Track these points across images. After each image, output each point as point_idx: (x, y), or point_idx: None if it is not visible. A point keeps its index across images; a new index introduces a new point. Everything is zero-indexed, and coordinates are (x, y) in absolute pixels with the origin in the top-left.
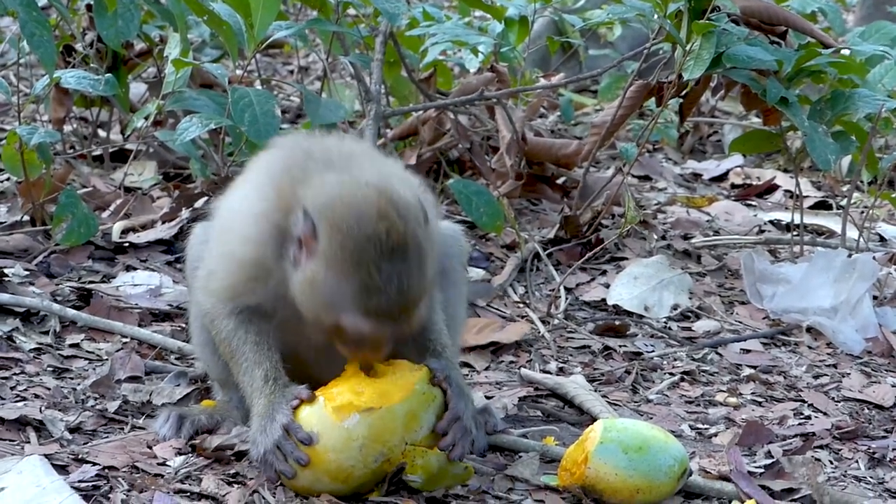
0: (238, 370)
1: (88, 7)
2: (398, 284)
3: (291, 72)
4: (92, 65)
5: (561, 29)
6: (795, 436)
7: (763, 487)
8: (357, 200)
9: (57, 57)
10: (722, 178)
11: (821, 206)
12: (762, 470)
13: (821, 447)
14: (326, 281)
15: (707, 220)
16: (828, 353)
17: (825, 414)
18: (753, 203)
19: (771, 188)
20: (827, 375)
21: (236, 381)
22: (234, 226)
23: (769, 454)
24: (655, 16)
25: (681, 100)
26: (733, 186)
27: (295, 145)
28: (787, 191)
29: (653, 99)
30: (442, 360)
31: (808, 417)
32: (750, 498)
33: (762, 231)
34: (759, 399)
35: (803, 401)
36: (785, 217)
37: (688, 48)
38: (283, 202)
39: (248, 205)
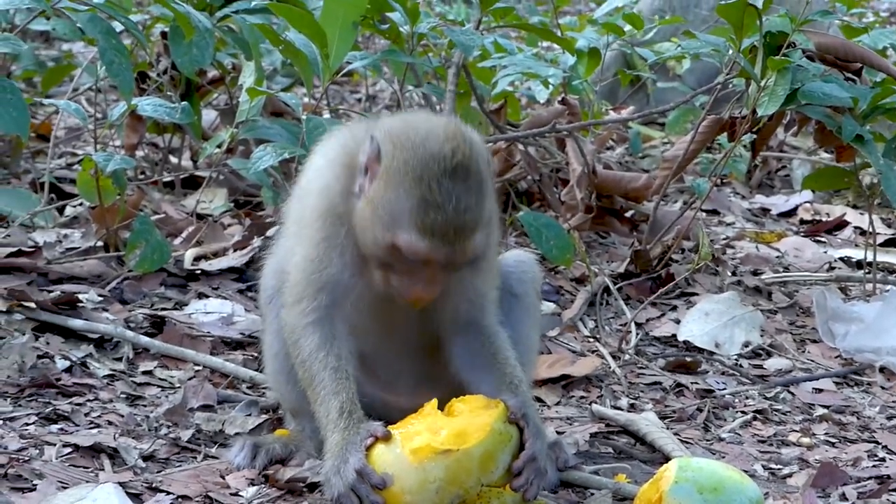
0: (315, 398)
1: (163, 35)
2: (456, 204)
3: (359, 100)
4: (166, 92)
5: (629, 61)
6: (870, 478)
7: None
8: (424, 124)
9: (134, 84)
10: (791, 213)
11: (892, 243)
12: None
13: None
14: (386, 197)
15: (777, 256)
16: None
17: None
18: (823, 239)
19: (840, 224)
20: None
21: (312, 410)
22: (306, 191)
23: (844, 497)
24: (730, 51)
25: (753, 135)
26: (802, 222)
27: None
28: (857, 227)
29: (724, 134)
30: (518, 397)
31: (883, 459)
32: None
33: (832, 268)
34: (833, 440)
35: (877, 442)
36: (855, 254)
37: (762, 84)
38: (347, 149)
39: (314, 167)
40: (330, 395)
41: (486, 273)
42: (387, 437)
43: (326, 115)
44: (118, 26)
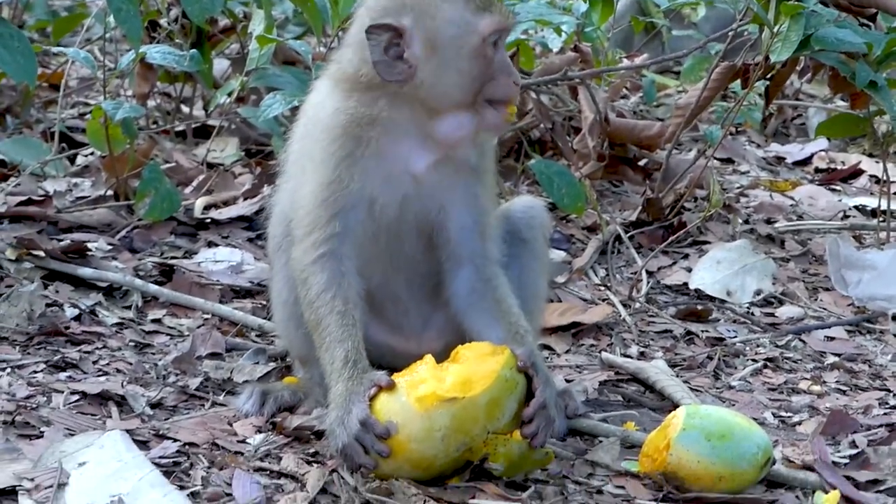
0: (321, 344)
1: None
2: None
3: None
4: (176, 40)
5: (644, 9)
6: (881, 426)
7: (847, 478)
8: None
9: (142, 32)
10: (806, 161)
11: None
12: (847, 460)
13: None
14: (442, 26)
15: (791, 205)
16: None
17: None
18: (838, 188)
19: (856, 173)
20: None
21: (317, 355)
22: (315, 121)
23: (854, 444)
24: None
25: (767, 82)
26: (817, 171)
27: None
28: (872, 176)
29: (737, 81)
30: (526, 346)
31: (894, 407)
32: (834, 488)
33: (847, 216)
34: (844, 387)
35: (888, 390)
36: (870, 202)
37: (775, 30)
38: (342, 72)
39: (316, 101)
40: (335, 343)
41: (487, 184)
42: (391, 387)
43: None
44: None
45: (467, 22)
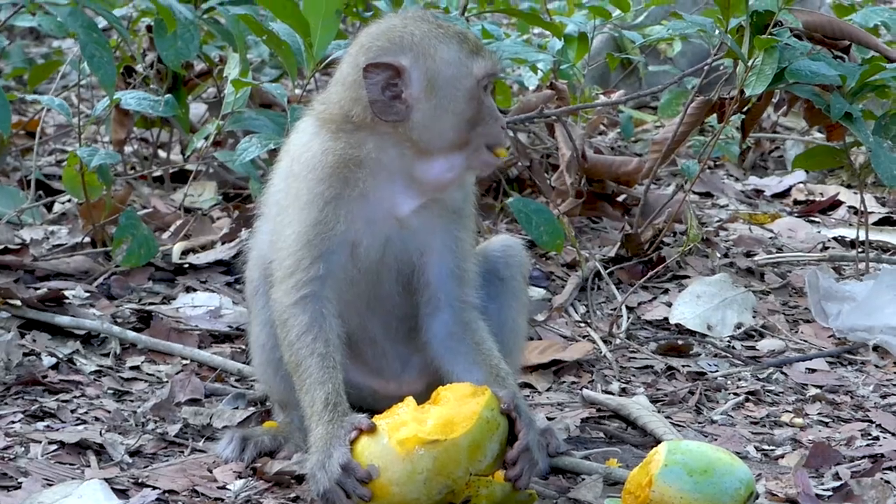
0: (301, 386)
1: (149, 28)
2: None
3: None
4: (152, 86)
5: (620, 45)
6: (864, 457)
7: None
8: (393, 21)
9: (117, 78)
10: (784, 194)
11: (886, 222)
12: (830, 493)
13: (890, 469)
14: (440, 69)
15: (770, 237)
16: (895, 373)
17: (893, 435)
18: (817, 219)
19: (834, 204)
20: (894, 395)
21: (298, 397)
22: (300, 163)
23: (837, 476)
24: (717, 31)
25: (743, 116)
26: (796, 203)
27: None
28: (850, 207)
29: (714, 115)
30: (508, 389)
31: (877, 438)
32: None
33: (826, 248)
34: (826, 419)
35: (871, 421)
36: (849, 233)
37: (750, 64)
38: (328, 112)
39: (300, 142)
40: (315, 385)
41: (467, 227)
42: (371, 430)
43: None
44: (102, 21)
45: (464, 64)
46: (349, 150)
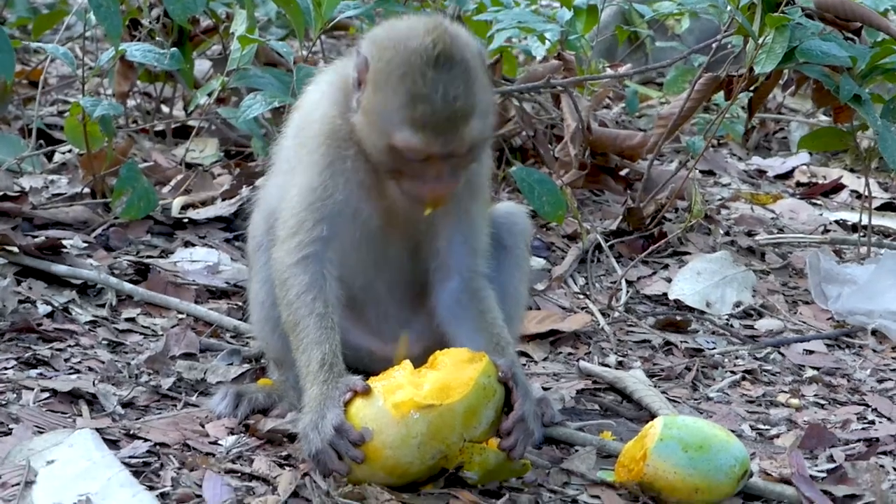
0: (297, 346)
1: None
2: (443, 93)
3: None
4: (158, 39)
5: (628, 19)
6: (859, 440)
7: (825, 492)
8: (406, 24)
9: (123, 30)
10: (787, 175)
11: (888, 207)
12: (824, 474)
13: (884, 453)
14: (377, 101)
15: (772, 218)
16: (892, 357)
17: (889, 419)
18: (819, 202)
19: (837, 187)
20: (891, 380)
21: (294, 357)
22: (304, 123)
23: (831, 458)
24: (728, 8)
25: (750, 94)
26: (798, 184)
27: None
28: (853, 191)
29: (721, 93)
30: (506, 357)
31: (872, 422)
32: (811, 502)
33: (827, 231)
34: (822, 401)
35: (867, 405)
36: (851, 217)
37: (760, 42)
38: (341, 76)
39: (310, 100)
40: (312, 345)
41: (481, 200)
42: (366, 392)
43: (321, 64)
44: None
45: (393, 122)
46: (343, 125)
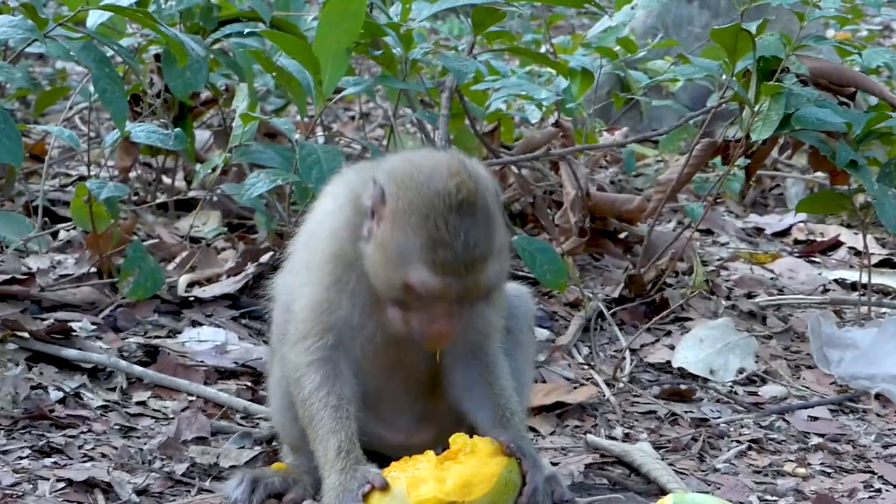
0: (314, 437)
1: (156, 57)
2: (465, 239)
3: (352, 118)
4: (161, 119)
5: (622, 80)
6: None
7: None
8: (427, 162)
9: (128, 112)
10: (785, 232)
11: (887, 263)
12: None
13: None
14: (394, 238)
15: (771, 278)
16: None
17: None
18: (817, 260)
19: (835, 244)
20: None
21: (311, 448)
22: (314, 235)
23: None
24: (723, 76)
25: (747, 160)
26: (796, 242)
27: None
28: (851, 247)
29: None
30: (510, 431)
31: (879, 490)
32: None
33: (827, 290)
34: (828, 469)
35: (873, 472)
36: (850, 276)
37: (756, 108)
38: (355, 193)
39: (323, 210)
40: (328, 434)
41: (496, 301)
42: (384, 488)
43: (320, 135)
44: (111, 50)
45: (405, 260)
46: (350, 249)
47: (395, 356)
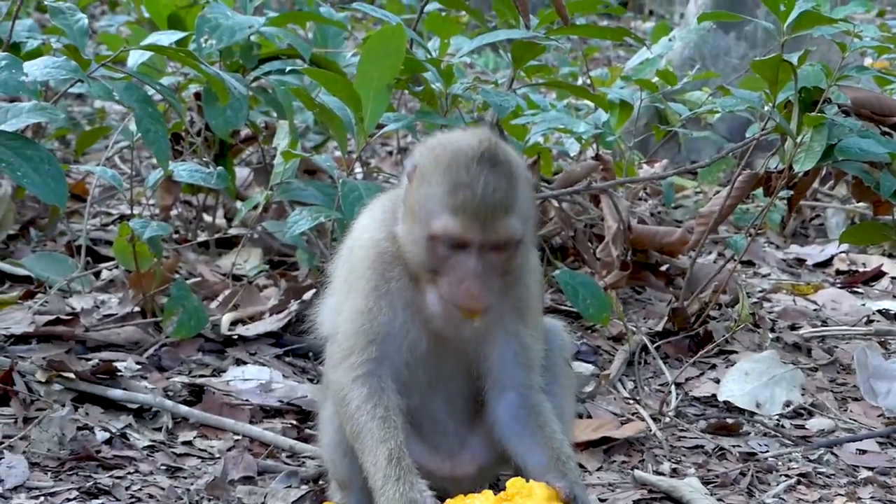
0: (363, 449)
1: (196, 95)
2: (485, 183)
3: (390, 153)
4: (202, 157)
5: (661, 112)
6: None
7: None
8: (456, 133)
9: (170, 150)
10: (826, 263)
11: None
12: None
13: None
14: (421, 193)
15: (814, 309)
16: None
17: None
18: (860, 290)
19: (878, 275)
20: None
21: (361, 462)
22: (353, 249)
23: None
24: (765, 108)
25: (790, 191)
26: (838, 273)
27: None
28: (894, 277)
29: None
30: (568, 476)
31: None
32: None
33: (871, 321)
34: (879, 503)
35: None
36: (894, 306)
37: (798, 140)
38: (391, 203)
39: (360, 227)
40: (378, 443)
41: (530, 320)
42: None
43: (358, 171)
44: (151, 89)
45: (431, 210)
46: (388, 246)
47: (435, 369)
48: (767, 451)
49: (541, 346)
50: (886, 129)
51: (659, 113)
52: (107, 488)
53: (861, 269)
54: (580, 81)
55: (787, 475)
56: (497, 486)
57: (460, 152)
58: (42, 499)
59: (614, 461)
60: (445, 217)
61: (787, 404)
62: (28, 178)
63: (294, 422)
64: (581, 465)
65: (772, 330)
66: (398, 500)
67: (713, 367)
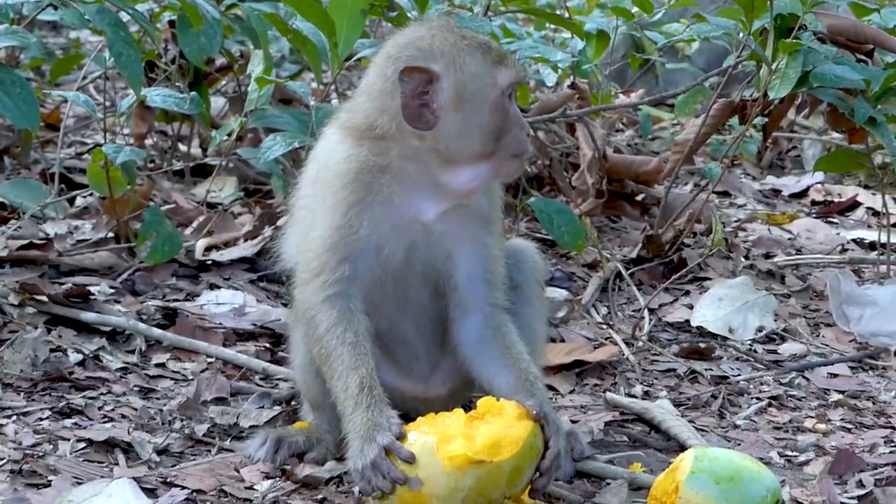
0: (332, 374)
1: (171, 23)
2: (489, 41)
3: None
4: (175, 81)
5: (638, 43)
6: (887, 465)
7: None
8: (422, 30)
9: (143, 75)
10: (802, 194)
11: None
12: (855, 501)
13: None
14: (462, 74)
15: (789, 239)
16: None
17: None
18: (835, 220)
19: (852, 205)
20: None
21: (329, 385)
22: (325, 168)
23: (861, 484)
24: (740, 34)
25: (765, 118)
26: (814, 203)
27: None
28: (869, 208)
29: (734, 116)
30: (536, 396)
31: None
32: None
33: (845, 250)
34: (849, 426)
35: (893, 427)
36: (868, 235)
37: (774, 67)
38: (355, 118)
39: (325, 148)
40: (349, 370)
41: (494, 231)
42: (401, 436)
43: (335, 100)
44: (126, 16)
45: (489, 75)
46: (372, 157)
47: (404, 290)
48: (739, 375)
49: (503, 266)
50: (862, 57)
51: (636, 43)
52: (79, 408)
53: (836, 200)
54: (558, 11)
55: (758, 398)
56: (469, 407)
57: (460, 33)
58: (15, 418)
59: (586, 384)
60: (502, 70)
61: (760, 329)
62: None
63: (267, 345)
64: (553, 388)
65: (746, 257)
66: (366, 423)
67: (687, 293)
